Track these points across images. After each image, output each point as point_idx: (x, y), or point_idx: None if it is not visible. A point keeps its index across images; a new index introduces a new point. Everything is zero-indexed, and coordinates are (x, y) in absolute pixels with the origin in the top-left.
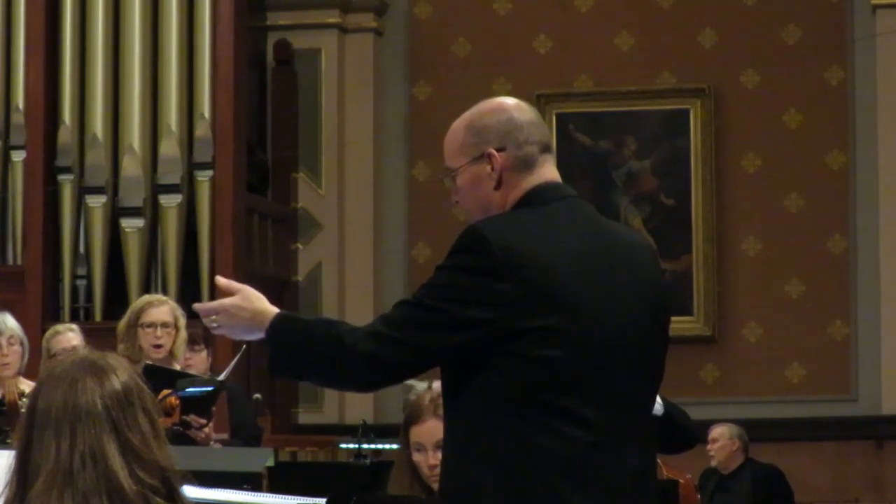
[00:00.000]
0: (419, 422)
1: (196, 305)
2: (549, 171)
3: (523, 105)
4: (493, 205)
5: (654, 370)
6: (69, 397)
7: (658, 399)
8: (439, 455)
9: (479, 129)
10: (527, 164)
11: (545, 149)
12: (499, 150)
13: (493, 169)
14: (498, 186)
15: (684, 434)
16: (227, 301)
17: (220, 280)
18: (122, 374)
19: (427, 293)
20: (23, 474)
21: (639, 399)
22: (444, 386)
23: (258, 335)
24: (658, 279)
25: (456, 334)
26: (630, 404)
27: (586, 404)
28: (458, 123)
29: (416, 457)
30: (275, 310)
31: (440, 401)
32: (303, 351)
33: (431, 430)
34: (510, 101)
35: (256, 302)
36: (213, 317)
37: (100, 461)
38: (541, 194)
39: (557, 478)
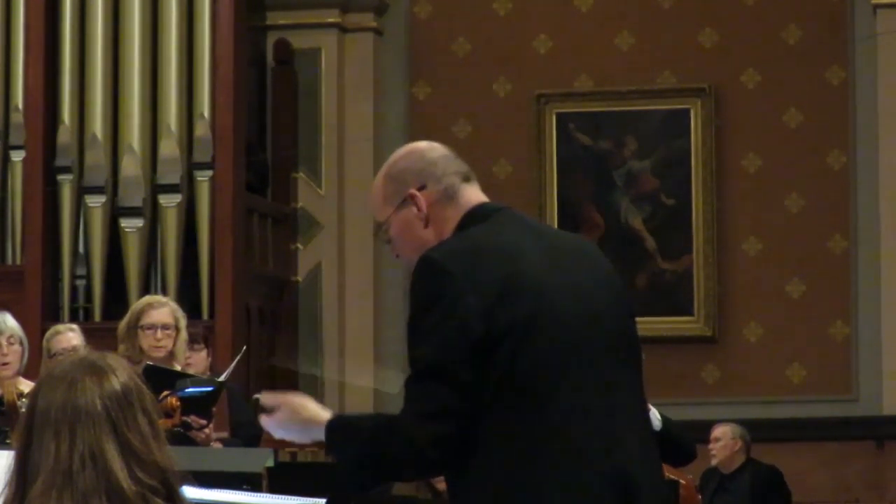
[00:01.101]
0: None
1: (264, 420)
2: (475, 195)
3: (434, 144)
4: (428, 243)
5: (636, 353)
6: (68, 398)
7: (656, 414)
8: None
9: (395, 176)
10: (450, 196)
11: (465, 178)
12: (420, 189)
13: (419, 209)
14: (427, 224)
15: (681, 449)
16: (278, 416)
17: (264, 397)
18: (121, 374)
19: (421, 351)
20: (22, 475)
21: (626, 383)
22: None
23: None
24: (613, 270)
25: (468, 365)
26: (618, 390)
27: (574, 395)
28: (377, 179)
29: None
30: (322, 416)
31: None
32: (369, 452)
33: None
34: (421, 143)
35: (302, 411)
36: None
37: (99, 462)
38: (474, 215)
39: (564, 476)
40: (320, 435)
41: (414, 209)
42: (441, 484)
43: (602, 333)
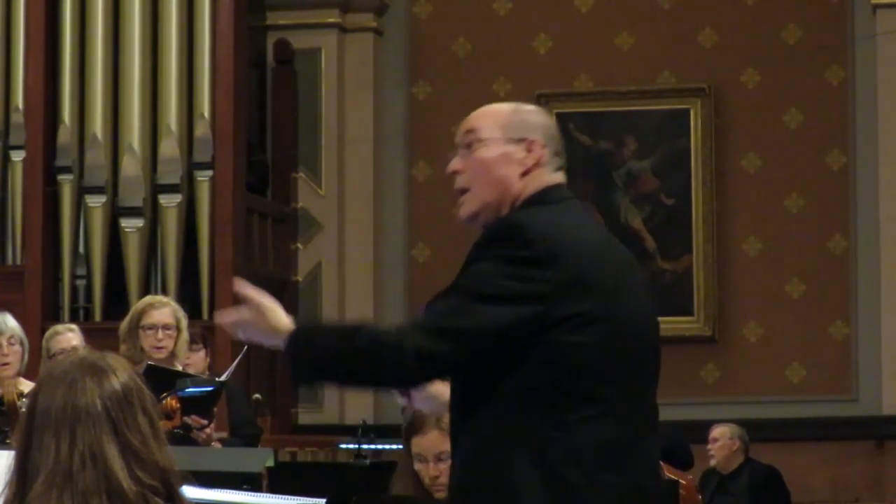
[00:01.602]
0: (421, 433)
1: (219, 314)
2: (560, 179)
3: None
4: (508, 189)
5: (659, 366)
6: (69, 398)
7: None
8: (441, 466)
9: (526, 119)
10: (555, 167)
11: (563, 167)
12: (542, 146)
13: (528, 154)
14: (523, 175)
15: (678, 461)
16: (245, 313)
17: (241, 286)
18: (121, 374)
19: (471, 281)
20: (23, 475)
21: (649, 393)
22: (469, 385)
23: (277, 342)
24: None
25: (509, 311)
26: (645, 398)
27: (619, 394)
28: (501, 105)
29: (418, 466)
30: (287, 322)
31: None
32: (332, 354)
33: (433, 441)
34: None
35: (271, 315)
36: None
37: (99, 462)
38: (550, 194)
39: (597, 468)
40: (280, 340)
41: (523, 154)
42: (440, 494)
43: (646, 343)
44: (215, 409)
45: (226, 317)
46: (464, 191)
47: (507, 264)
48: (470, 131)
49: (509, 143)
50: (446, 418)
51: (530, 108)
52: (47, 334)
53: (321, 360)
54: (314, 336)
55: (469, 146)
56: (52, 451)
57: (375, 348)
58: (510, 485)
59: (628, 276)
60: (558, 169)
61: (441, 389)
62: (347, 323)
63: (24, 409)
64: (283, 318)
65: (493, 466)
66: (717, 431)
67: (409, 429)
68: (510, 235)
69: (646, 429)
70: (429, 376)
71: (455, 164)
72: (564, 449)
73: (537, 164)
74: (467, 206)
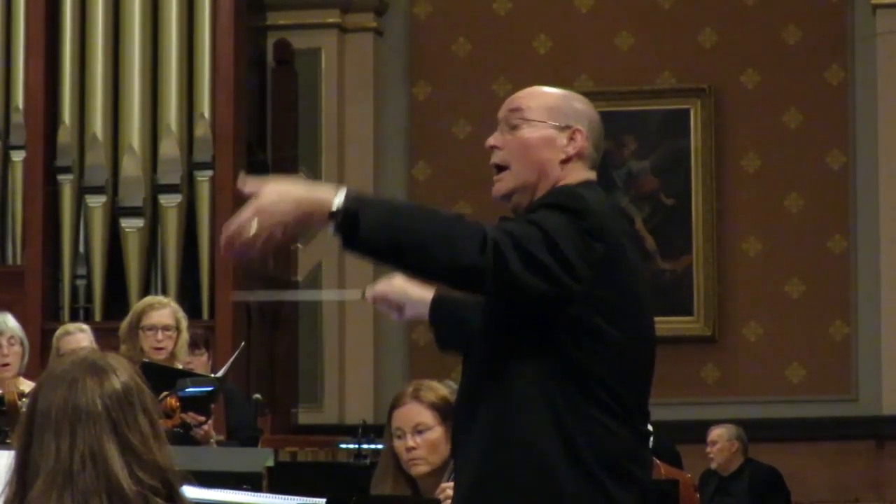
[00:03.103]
0: (399, 406)
1: (224, 237)
2: (594, 177)
3: None
4: (548, 173)
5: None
6: (69, 397)
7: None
8: (417, 439)
9: (575, 108)
10: (591, 163)
11: (597, 164)
12: (585, 137)
13: (571, 144)
14: (564, 162)
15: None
16: (258, 202)
17: (245, 182)
18: (122, 374)
19: (548, 225)
20: (22, 474)
21: (648, 393)
22: (504, 346)
23: (317, 216)
24: None
25: (590, 265)
26: (647, 397)
27: (640, 392)
28: (551, 89)
29: (397, 444)
30: (327, 187)
31: (421, 386)
32: (406, 219)
33: (410, 413)
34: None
35: (294, 186)
36: (252, 224)
37: (100, 462)
38: (595, 187)
39: (625, 461)
40: (325, 211)
41: (565, 140)
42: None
43: (653, 344)
44: (213, 406)
45: (248, 186)
46: (500, 168)
47: (571, 227)
48: (516, 109)
49: (554, 127)
50: (423, 391)
51: (579, 96)
52: (58, 333)
53: (392, 219)
54: (377, 198)
55: (512, 125)
56: (53, 450)
57: (464, 224)
58: (542, 466)
59: (645, 282)
60: (594, 165)
61: (422, 291)
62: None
63: (24, 409)
64: (313, 187)
65: (519, 431)
66: (715, 434)
67: (390, 408)
68: (568, 204)
69: (645, 431)
70: (498, 275)
71: (495, 138)
72: (592, 440)
73: (578, 155)
74: (504, 182)
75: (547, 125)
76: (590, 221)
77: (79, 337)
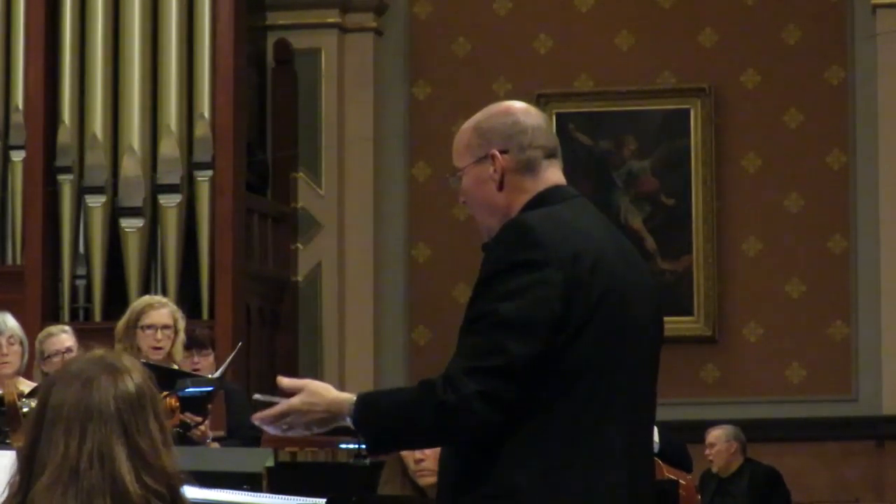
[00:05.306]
0: None
1: (258, 417)
2: (554, 176)
3: (532, 109)
4: (497, 206)
5: (657, 369)
6: (83, 396)
7: (656, 434)
8: (426, 451)
9: (484, 131)
10: (530, 168)
11: (551, 154)
12: (502, 152)
13: (494, 170)
14: (500, 188)
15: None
16: (295, 400)
17: (283, 381)
18: (136, 376)
19: (500, 306)
20: (28, 470)
21: (650, 396)
22: None
23: (338, 423)
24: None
25: (556, 330)
26: (644, 402)
27: (620, 402)
28: (468, 124)
29: (405, 454)
30: (348, 395)
31: None
32: (400, 422)
33: None
34: (519, 104)
35: (326, 393)
36: (286, 419)
37: (107, 463)
38: (549, 196)
39: (599, 470)
40: (339, 419)
41: (490, 169)
42: (425, 479)
43: (647, 343)
44: (210, 406)
45: (270, 413)
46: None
47: (524, 272)
48: (453, 166)
49: (477, 164)
50: None
51: (493, 111)
52: (40, 335)
53: (391, 431)
54: (379, 405)
55: (458, 179)
56: (61, 446)
57: (435, 411)
58: (510, 488)
59: (635, 279)
60: (538, 161)
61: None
62: (401, 388)
63: (35, 403)
64: (338, 393)
65: (493, 478)
66: (713, 435)
67: None
68: (517, 240)
69: (644, 428)
70: (501, 417)
71: (459, 195)
72: (564, 452)
73: (508, 171)
74: (482, 230)
75: (472, 165)
76: (539, 265)
77: (62, 338)
